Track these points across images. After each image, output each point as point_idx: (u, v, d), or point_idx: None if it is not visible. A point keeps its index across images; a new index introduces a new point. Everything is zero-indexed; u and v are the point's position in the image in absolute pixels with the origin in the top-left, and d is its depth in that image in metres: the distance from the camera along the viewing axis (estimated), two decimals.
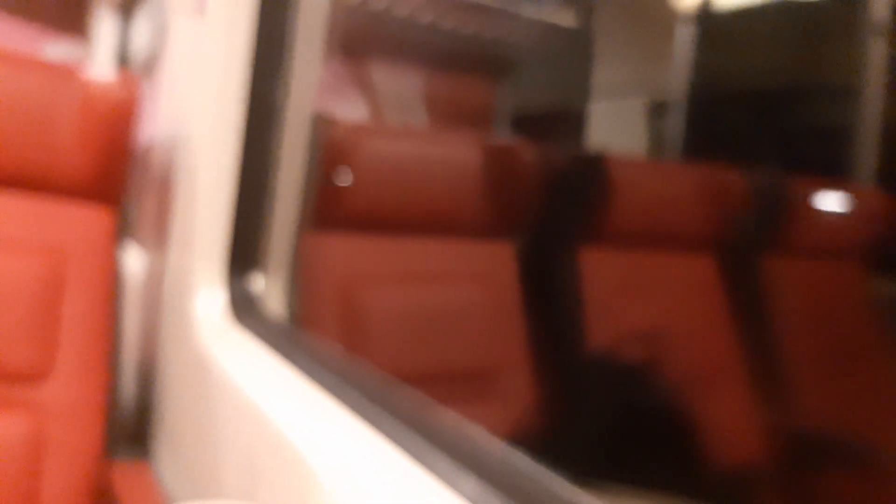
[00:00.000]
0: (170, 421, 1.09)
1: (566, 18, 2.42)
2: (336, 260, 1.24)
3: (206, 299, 1.01)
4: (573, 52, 2.38)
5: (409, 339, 1.25)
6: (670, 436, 1.36)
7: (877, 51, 1.69)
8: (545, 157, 1.51)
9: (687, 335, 1.47)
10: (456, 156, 1.41)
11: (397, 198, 1.31)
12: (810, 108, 1.77)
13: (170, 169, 1.16)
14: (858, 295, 1.64)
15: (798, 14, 1.83)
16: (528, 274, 1.41)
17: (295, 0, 1.01)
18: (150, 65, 1.50)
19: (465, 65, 2.40)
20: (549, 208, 1.48)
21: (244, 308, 1.00)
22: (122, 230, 1.13)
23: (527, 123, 2.43)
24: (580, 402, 1.36)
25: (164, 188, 1.17)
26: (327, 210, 1.22)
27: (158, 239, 1.18)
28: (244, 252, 1.03)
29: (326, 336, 1.19)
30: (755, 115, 1.82)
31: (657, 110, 2.14)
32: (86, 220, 1.09)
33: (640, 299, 1.47)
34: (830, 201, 1.68)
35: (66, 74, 1.10)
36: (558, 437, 1.29)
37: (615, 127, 2.25)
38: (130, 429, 1.18)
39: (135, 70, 1.72)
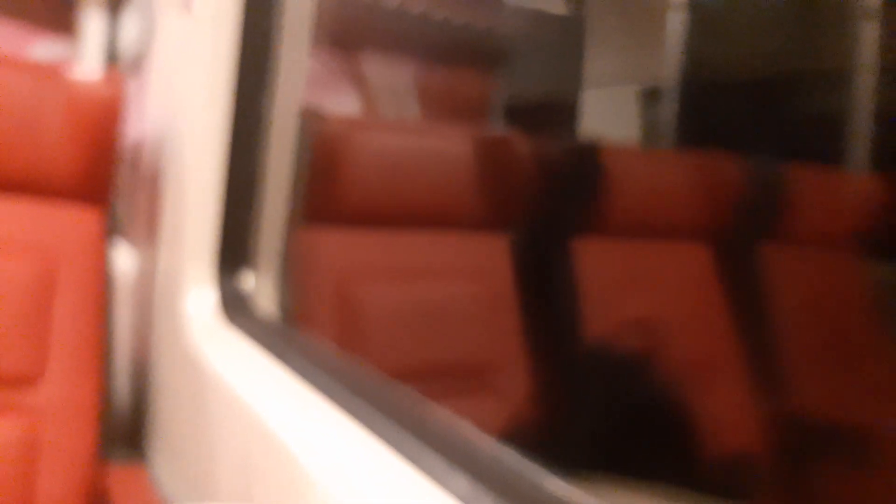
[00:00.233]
0: (164, 422, 1.09)
1: (558, 6, 2.41)
2: (328, 256, 1.24)
3: (196, 299, 1.00)
4: (565, 41, 2.37)
5: (403, 335, 1.25)
6: (667, 428, 1.36)
7: (870, 35, 1.68)
8: (539, 148, 1.50)
9: (683, 326, 1.47)
10: (448, 148, 1.40)
11: (390, 192, 1.30)
12: (804, 95, 1.76)
13: (158, 167, 1.15)
14: (856, 283, 1.63)
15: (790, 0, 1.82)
16: (523, 267, 1.40)
17: None
18: (138, 62, 1.49)
19: (457, 55, 2.39)
20: (544, 200, 1.48)
21: (235, 307, 1.00)
22: (111, 230, 1.13)
23: (520, 114, 2.42)
24: (577, 395, 1.36)
25: (153, 186, 1.16)
26: (318, 205, 1.21)
27: (148, 238, 1.17)
28: (234, 250, 1.02)
29: (319, 334, 1.18)
30: (749, 102, 1.82)
31: (651, 98, 2.13)
32: (75, 221, 1.08)
33: (637, 291, 1.47)
34: (827, 188, 1.68)
35: (51, 74, 1.09)
36: (555, 430, 1.29)
37: (609, 116, 2.24)
38: (124, 430, 1.18)
39: (123, 68, 1.71)
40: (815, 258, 1.62)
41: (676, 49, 2.06)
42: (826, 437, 1.43)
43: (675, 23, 2.07)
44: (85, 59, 1.80)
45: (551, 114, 2.36)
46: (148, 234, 1.18)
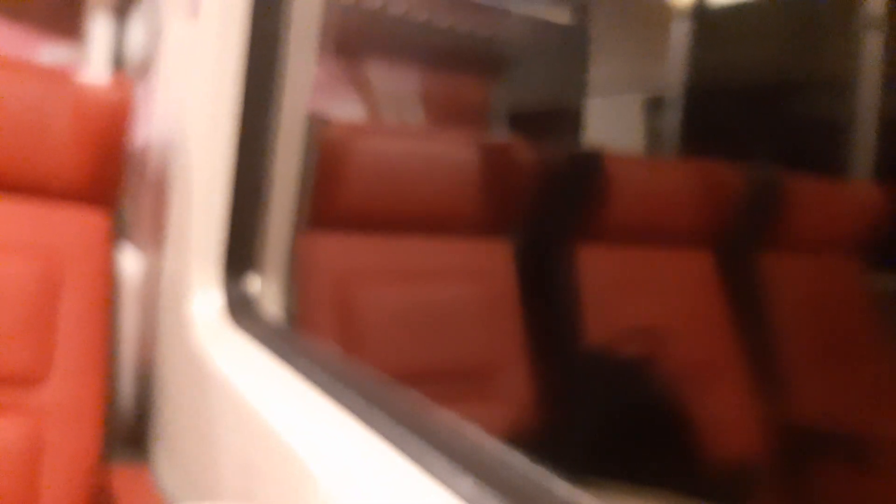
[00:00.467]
0: (167, 423, 1.09)
1: (562, 15, 2.42)
2: (333, 260, 1.24)
3: (202, 301, 1.01)
4: (569, 49, 2.38)
5: (406, 339, 1.25)
6: (668, 432, 1.36)
7: (872, 44, 1.69)
8: (541, 155, 1.51)
9: (684, 331, 1.47)
10: (452, 154, 1.40)
11: (394, 197, 1.31)
12: (806, 103, 1.77)
13: (165, 171, 1.16)
14: (856, 289, 1.64)
15: (793, 9, 1.83)
16: (525, 272, 1.41)
17: (288, 1, 1.01)
18: (145, 67, 1.50)
19: (460, 63, 2.39)
20: (545, 206, 1.48)
21: (241, 309, 1.00)
22: (117, 233, 1.13)
23: (523, 121, 2.42)
24: (578, 399, 1.36)
25: (160, 190, 1.17)
26: (323, 210, 1.22)
27: (154, 241, 1.18)
28: (240, 253, 1.03)
29: (324, 337, 1.19)
30: (751, 110, 1.82)
31: (653, 106, 2.14)
32: (81, 223, 1.09)
33: (638, 296, 1.47)
34: (827, 196, 1.68)
35: (59, 78, 1.10)
36: (556, 435, 1.29)
37: (611, 123, 2.25)
38: (128, 431, 1.18)
39: (130, 72, 1.71)
40: (816, 265, 1.63)
41: (680, 58, 2.07)
42: (826, 442, 1.43)
43: (679, 32, 2.08)
44: (92, 64, 1.80)
45: (554, 121, 2.37)
46: (154, 236, 1.18)
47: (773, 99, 1.78)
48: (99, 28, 1.83)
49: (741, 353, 1.52)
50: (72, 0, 1.86)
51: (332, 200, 1.24)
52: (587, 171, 1.50)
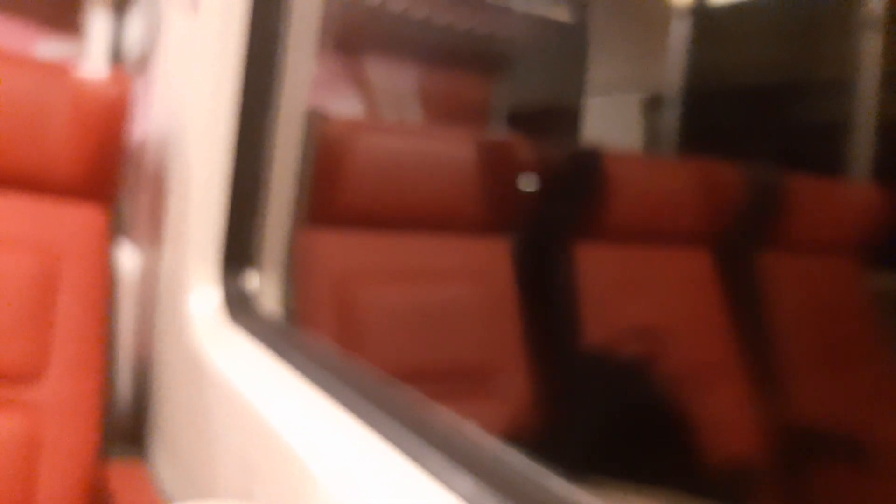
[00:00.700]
0: (165, 420, 1.09)
1: (561, 14, 2.41)
2: (331, 257, 1.24)
3: (200, 297, 1.00)
4: (569, 48, 2.38)
5: (405, 336, 1.25)
6: (667, 431, 1.36)
7: (872, 45, 1.69)
8: (541, 153, 1.51)
9: (684, 331, 1.47)
10: (451, 152, 1.40)
11: (393, 194, 1.31)
12: (806, 103, 1.77)
13: (163, 166, 1.16)
14: (855, 289, 1.64)
15: (793, 8, 1.83)
16: (524, 270, 1.41)
17: None
18: (144, 62, 1.49)
19: (460, 60, 2.39)
20: (545, 204, 1.48)
21: (239, 306, 1.00)
22: (115, 228, 1.13)
23: (523, 119, 2.42)
24: (577, 398, 1.36)
25: (158, 186, 1.16)
26: (322, 207, 1.22)
27: (153, 237, 1.17)
28: (239, 250, 1.02)
29: (322, 333, 1.19)
30: (750, 109, 1.82)
31: (653, 105, 2.14)
32: (79, 219, 1.08)
33: (637, 295, 1.47)
34: (826, 196, 1.68)
35: (58, 72, 1.09)
36: (555, 434, 1.29)
37: (611, 122, 2.25)
38: (126, 428, 1.18)
39: (128, 67, 1.71)
40: (815, 265, 1.63)
41: (679, 57, 2.07)
42: (825, 442, 1.43)
43: (679, 31, 2.07)
44: (90, 58, 1.80)
45: (553, 119, 2.37)
46: (152, 232, 1.18)
47: (773, 99, 1.78)
48: (97, 22, 1.83)
49: (740, 353, 1.52)
50: None
51: (331, 197, 1.24)
52: (586, 169, 1.50)
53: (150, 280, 1.18)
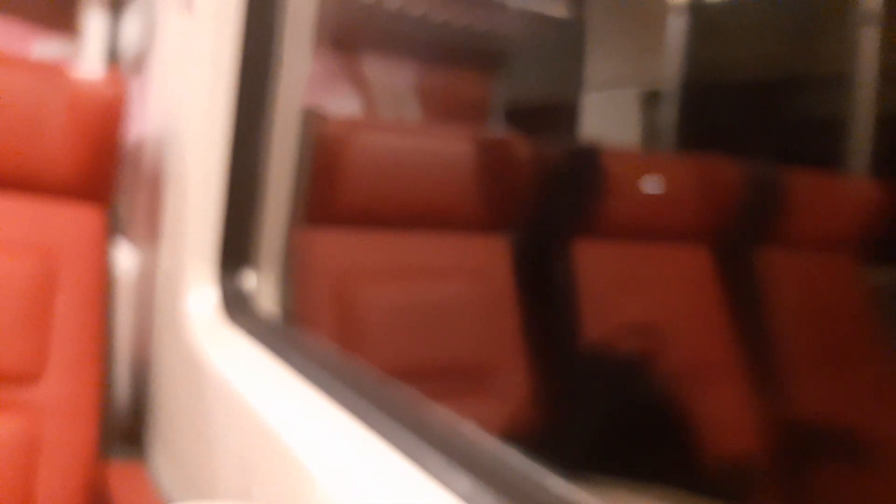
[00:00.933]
0: (164, 420, 1.09)
1: (559, 10, 2.41)
2: (329, 255, 1.24)
3: (198, 297, 1.00)
4: (566, 44, 2.37)
5: (403, 335, 1.25)
6: (666, 429, 1.36)
7: (870, 40, 1.68)
8: (539, 150, 1.51)
9: (682, 328, 1.47)
10: (449, 149, 1.40)
11: (390, 192, 1.31)
12: (803, 99, 1.76)
13: (160, 166, 1.16)
14: (855, 287, 1.64)
15: (790, 4, 1.82)
16: (523, 268, 1.41)
17: None
18: (140, 62, 1.49)
19: (457, 57, 2.39)
20: (543, 202, 1.48)
21: (237, 306, 1.00)
22: (113, 228, 1.13)
23: (520, 116, 2.42)
24: (576, 396, 1.36)
25: (155, 185, 1.16)
26: (319, 205, 1.21)
27: (150, 237, 1.17)
28: (236, 249, 1.02)
29: (320, 333, 1.18)
30: (749, 105, 1.82)
31: (651, 101, 2.13)
32: (76, 219, 1.08)
33: (636, 293, 1.47)
34: (826, 192, 1.68)
35: (53, 73, 1.09)
36: (554, 433, 1.29)
37: (609, 118, 2.25)
38: (125, 428, 1.18)
39: (124, 67, 1.71)
40: (814, 262, 1.62)
41: (677, 53, 2.06)
42: (825, 439, 1.43)
43: (676, 26, 2.07)
44: (86, 59, 1.80)
45: (551, 116, 2.36)
46: (149, 232, 1.18)
47: (771, 94, 1.78)
48: (93, 23, 1.82)
49: (739, 350, 1.52)
50: None
51: (328, 196, 1.24)
52: (585, 166, 1.50)
53: (147, 280, 1.18)
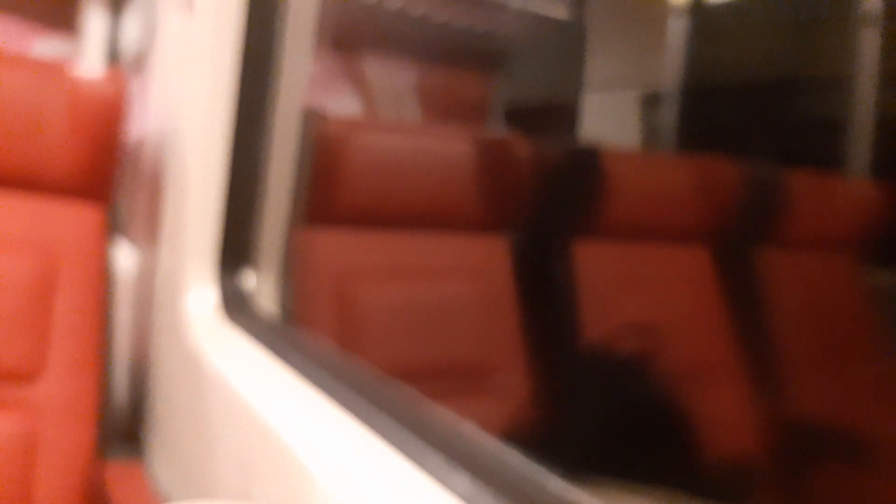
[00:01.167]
0: (163, 420, 1.09)
1: (559, 11, 2.41)
2: (328, 255, 1.24)
3: (197, 297, 1.00)
4: (566, 45, 2.37)
5: (403, 335, 1.25)
6: (666, 430, 1.36)
7: (870, 42, 1.68)
8: (539, 151, 1.51)
9: (682, 328, 1.47)
10: (449, 150, 1.40)
11: (390, 192, 1.31)
12: (804, 100, 1.77)
13: (160, 165, 1.15)
14: (854, 287, 1.64)
15: (790, 5, 1.83)
16: (522, 268, 1.41)
17: None
18: (140, 61, 1.49)
19: (458, 58, 2.39)
20: (543, 202, 1.48)
21: (236, 305, 1.00)
22: (112, 227, 1.13)
23: (520, 116, 2.42)
24: (575, 396, 1.36)
25: (155, 185, 1.16)
26: (319, 205, 1.21)
27: (149, 236, 1.17)
28: (236, 249, 1.02)
29: (319, 333, 1.18)
30: (749, 107, 1.82)
31: (651, 103, 2.13)
32: (76, 218, 1.08)
33: (636, 293, 1.47)
34: (825, 193, 1.68)
35: (54, 71, 1.09)
36: (553, 433, 1.29)
37: (609, 119, 2.25)
38: (123, 428, 1.18)
39: (125, 66, 1.71)
40: (814, 262, 1.63)
41: (678, 54, 2.06)
42: (824, 440, 1.43)
43: (677, 28, 2.07)
44: (87, 58, 1.80)
45: (552, 117, 2.36)
46: (149, 232, 1.18)
47: (771, 95, 1.78)
48: (94, 21, 1.82)
49: (739, 351, 1.52)
50: None
51: (328, 196, 1.24)
52: (585, 167, 1.50)
53: (147, 279, 1.18)
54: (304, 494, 0.63)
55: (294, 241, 1.09)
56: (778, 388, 1.50)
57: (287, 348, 0.86)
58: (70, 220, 1.08)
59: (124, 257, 1.23)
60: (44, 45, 1.95)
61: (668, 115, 2.08)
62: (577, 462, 0.62)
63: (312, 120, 1.12)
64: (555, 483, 0.54)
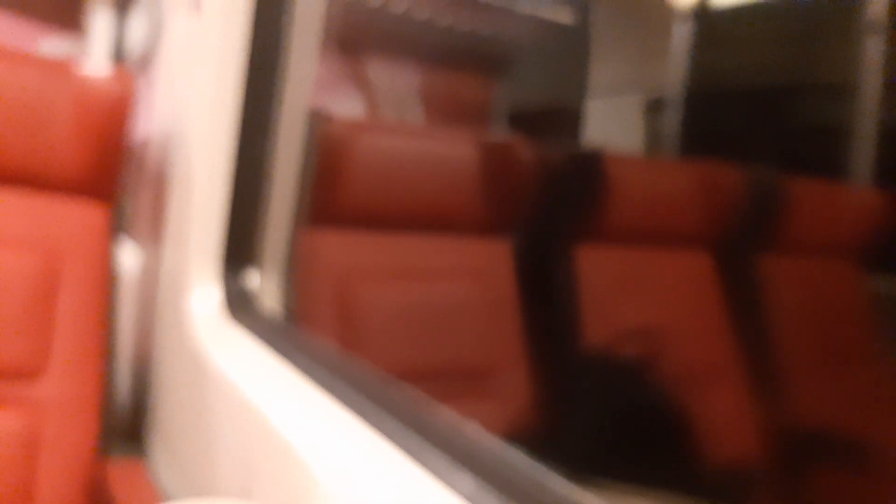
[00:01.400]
0: (165, 418, 1.09)
1: (564, 15, 2.41)
2: (332, 256, 1.24)
3: (201, 296, 1.00)
4: (570, 49, 2.38)
5: (406, 336, 1.25)
6: (668, 433, 1.36)
7: (874, 48, 1.69)
8: (542, 154, 1.51)
9: (683, 333, 1.47)
10: (452, 152, 1.40)
11: (394, 194, 1.31)
12: (807, 106, 1.77)
13: (165, 165, 1.16)
14: (855, 293, 1.64)
15: (795, 12, 1.83)
16: (524, 271, 1.41)
17: None
18: (146, 61, 1.49)
19: (462, 62, 2.39)
20: (546, 205, 1.48)
21: (240, 305, 1.00)
22: (117, 226, 1.13)
23: (524, 120, 2.42)
24: (577, 398, 1.36)
25: (160, 184, 1.16)
26: (323, 206, 1.22)
27: (154, 235, 1.17)
28: (240, 248, 1.02)
29: (322, 332, 1.19)
30: (752, 112, 1.82)
31: (654, 107, 2.14)
32: (81, 217, 1.09)
33: (638, 296, 1.47)
34: (827, 199, 1.68)
35: (60, 70, 1.09)
36: (555, 434, 1.29)
37: (612, 124, 2.25)
38: (126, 426, 1.18)
39: (130, 66, 1.71)
40: (815, 268, 1.63)
41: (682, 60, 2.07)
42: (825, 444, 1.43)
43: (681, 33, 2.08)
44: (93, 57, 1.80)
45: (555, 120, 2.36)
46: (153, 231, 1.18)
47: (774, 102, 1.78)
48: (100, 21, 1.83)
49: (740, 355, 1.52)
50: None
51: (332, 197, 1.24)
52: (588, 171, 1.50)
53: (150, 278, 1.18)
54: (306, 494, 0.63)
55: (298, 242, 1.09)
56: (779, 392, 1.50)
57: (290, 348, 0.86)
58: (74, 218, 1.08)
59: (128, 256, 1.24)
60: (49, 44, 1.96)
61: (672, 120, 2.08)
62: (578, 464, 0.62)
63: (317, 121, 1.12)
64: (557, 483, 0.54)
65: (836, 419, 1.42)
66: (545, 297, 1.41)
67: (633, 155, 2.05)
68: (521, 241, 1.43)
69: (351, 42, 2.16)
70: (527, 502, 0.52)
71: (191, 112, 1.08)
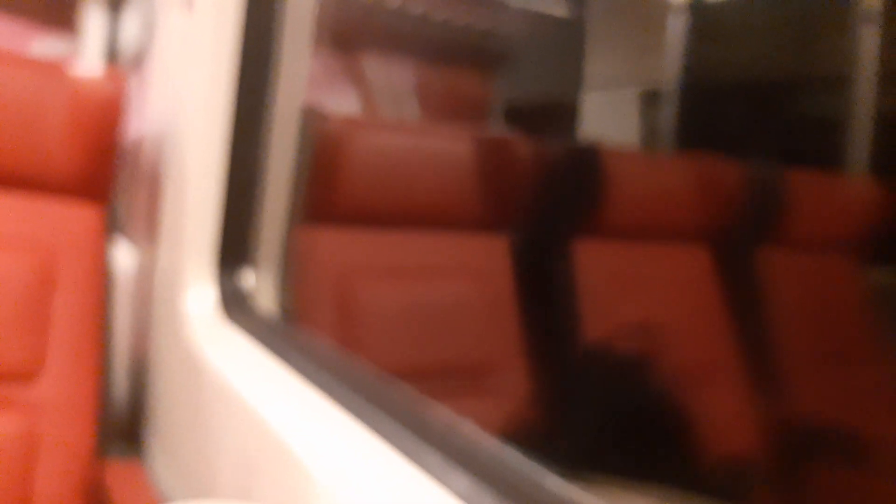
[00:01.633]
0: (162, 419, 1.09)
1: (559, 9, 2.41)
2: (328, 254, 1.24)
3: (196, 296, 1.00)
4: (566, 43, 2.37)
5: (403, 334, 1.25)
6: (666, 429, 1.36)
7: (871, 40, 1.68)
8: (539, 150, 1.50)
9: (682, 329, 1.47)
10: (449, 149, 1.40)
11: (390, 191, 1.30)
12: (804, 99, 1.76)
13: (159, 164, 1.15)
14: (855, 287, 1.64)
15: (790, 4, 1.82)
16: (523, 268, 1.40)
17: None
18: (139, 60, 1.49)
19: (458, 57, 2.39)
20: (543, 201, 1.48)
21: (235, 304, 1.00)
22: (111, 227, 1.13)
23: (520, 115, 2.42)
24: (575, 396, 1.36)
25: (154, 184, 1.16)
26: (319, 204, 1.21)
27: (148, 235, 1.17)
28: (235, 248, 1.02)
29: (319, 331, 1.18)
30: (749, 105, 1.82)
31: (651, 101, 2.13)
32: (75, 217, 1.08)
33: (636, 293, 1.47)
34: (826, 193, 1.68)
35: (53, 70, 1.09)
36: (553, 432, 1.29)
37: (609, 118, 2.25)
38: (123, 427, 1.18)
39: (124, 65, 1.70)
40: (815, 262, 1.62)
41: (678, 52, 2.06)
42: (824, 440, 1.43)
43: (676, 26, 2.07)
44: (86, 57, 1.80)
45: (551, 115, 2.36)
46: (148, 231, 1.18)
47: (772, 94, 1.77)
48: (92, 20, 1.82)
49: (740, 352, 1.52)
50: None
51: (328, 195, 1.24)
52: (585, 166, 1.50)
53: (146, 278, 1.18)
54: (304, 493, 0.63)
55: (293, 240, 1.08)
56: (778, 388, 1.50)
57: (286, 347, 0.86)
58: (69, 219, 1.08)
59: (123, 256, 1.23)
60: (43, 45, 1.95)
61: (669, 114, 2.07)
62: (577, 461, 0.62)
63: (311, 118, 1.11)
64: (554, 482, 0.54)
65: (837, 415, 1.41)
66: (544, 293, 1.41)
67: (631, 149, 2.05)
68: (519, 238, 1.43)
69: (345, 38, 2.16)
70: (523, 501, 0.52)
71: (184, 110, 1.08)
